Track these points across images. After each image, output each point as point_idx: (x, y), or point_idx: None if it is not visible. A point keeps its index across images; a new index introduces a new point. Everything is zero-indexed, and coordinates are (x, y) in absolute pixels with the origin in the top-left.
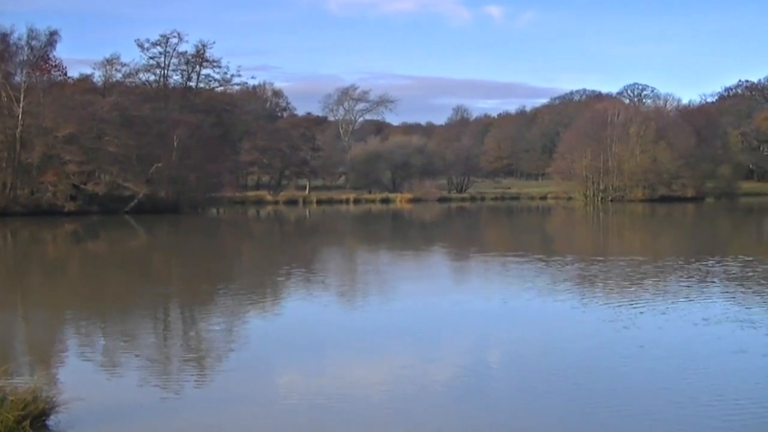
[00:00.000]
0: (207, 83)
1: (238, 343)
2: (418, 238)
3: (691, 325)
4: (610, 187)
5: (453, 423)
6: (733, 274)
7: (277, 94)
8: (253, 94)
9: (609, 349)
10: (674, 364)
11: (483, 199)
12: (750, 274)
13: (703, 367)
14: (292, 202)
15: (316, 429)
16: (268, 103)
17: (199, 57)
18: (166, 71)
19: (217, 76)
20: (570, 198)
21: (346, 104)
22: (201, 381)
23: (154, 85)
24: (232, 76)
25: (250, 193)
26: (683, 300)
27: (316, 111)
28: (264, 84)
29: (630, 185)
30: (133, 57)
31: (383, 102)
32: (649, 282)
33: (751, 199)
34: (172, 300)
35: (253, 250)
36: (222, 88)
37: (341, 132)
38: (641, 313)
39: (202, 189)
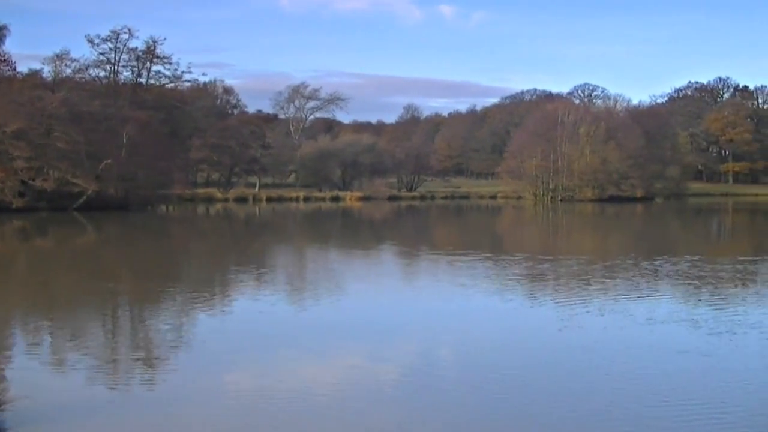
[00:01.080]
0: (157, 80)
1: (188, 342)
2: (368, 237)
3: (635, 325)
4: (560, 187)
5: (403, 422)
6: (681, 273)
7: (228, 91)
8: (204, 91)
9: (556, 349)
10: (618, 365)
11: (433, 198)
12: (697, 273)
13: (645, 367)
14: (242, 200)
15: (265, 428)
16: (219, 101)
17: (150, 53)
18: (116, 67)
19: (167, 73)
20: (519, 197)
21: (296, 102)
22: (150, 380)
23: (104, 81)
24: (183, 72)
25: (200, 191)
26: (630, 300)
27: (267, 109)
28: (215, 81)
29: (579, 185)
30: (83, 53)
31: (334, 100)
32: (597, 281)
33: (700, 199)
34: (121, 298)
35: (202, 247)
36: (172, 84)
37: (292, 130)
38: (588, 312)
39: (151, 186)
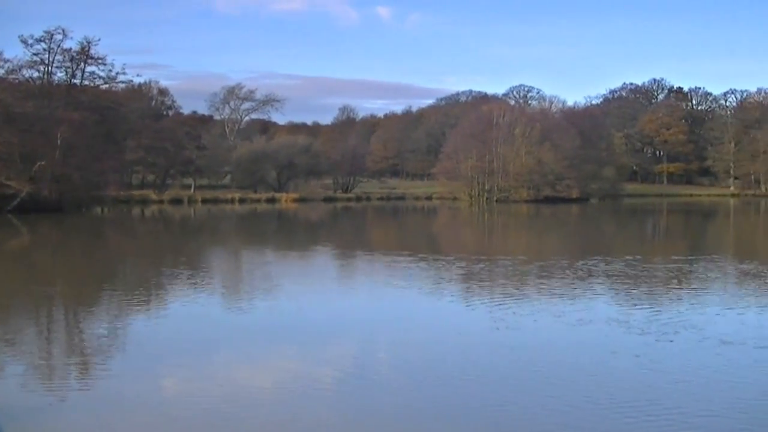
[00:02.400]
0: (92, 81)
1: (123, 346)
2: (304, 238)
3: (568, 325)
4: (495, 188)
5: (341, 424)
6: (615, 274)
7: (163, 92)
8: (139, 92)
9: (488, 349)
10: (549, 365)
11: (369, 199)
12: (632, 273)
13: (576, 367)
14: (177, 202)
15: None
16: (154, 102)
17: (84, 54)
18: (50, 68)
19: (102, 74)
20: (455, 198)
21: (232, 103)
22: (85, 384)
23: (37, 82)
24: (118, 74)
25: (135, 192)
26: (564, 300)
27: (202, 110)
28: (150, 82)
29: (515, 186)
30: (16, 53)
31: (269, 101)
32: (532, 282)
33: (635, 200)
34: (55, 301)
35: (137, 250)
36: (107, 86)
37: (227, 131)
38: (521, 313)
39: (86, 188)
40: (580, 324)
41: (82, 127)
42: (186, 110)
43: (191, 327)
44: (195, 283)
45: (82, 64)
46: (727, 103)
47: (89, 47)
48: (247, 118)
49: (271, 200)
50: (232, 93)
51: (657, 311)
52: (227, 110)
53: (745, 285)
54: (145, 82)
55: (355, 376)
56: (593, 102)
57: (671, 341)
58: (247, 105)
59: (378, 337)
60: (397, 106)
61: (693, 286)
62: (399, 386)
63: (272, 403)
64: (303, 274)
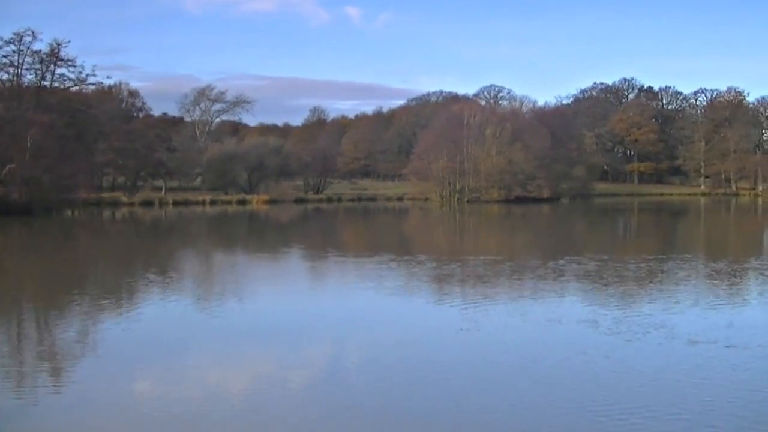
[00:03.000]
0: (62, 83)
1: (94, 349)
2: (275, 240)
3: (537, 325)
4: (467, 188)
5: (314, 426)
6: (586, 273)
7: (133, 94)
8: (109, 94)
9: (459, 350)
10: (517, 365)
11: (340, 200)
12: (602, 273)
13: (544, 367)
14: (147, 204)
15: None
16: (124, 104)
17: (54, 56)
18: (19, 70)
19: (71, 76)
20: (426, 199)
21: (202, 105)
22: (57, 388)
23: (7, 84)
24: (87, 75)
25: (106, 195)
26: (534, 300)
27: (173, 111)
28: (120, 84)
29: (486, 186)
30: None
31: (240, 102)
32: (503, 282)
33: (606, 199)
34: (26, 305)
35: (108, 252)
36: (77, 87)
37: (197, 133)
38: (492, 313)
39: (56, 190)
40: (550, 324)
41: (52, 129)
42: (156, 112)
43: (163, 330)
44: (166, 286)
45: (52, 66)
46: (698, 102)
47: (59, 49)
48: (217, 119)
49: (242, 202)
50: (202, 94)
51: (627, 311)
52: (198, 112)
53: (715, 284)
54: (115, 84)
55: (327, 378)
56: (564, 102)
57: (641, 341)
58: (217, 106)
59: (349, 338)
60: (368, 107)
61: (664, 286)
62: (371, 388)
63: (244, 407)
64: (274, 276)
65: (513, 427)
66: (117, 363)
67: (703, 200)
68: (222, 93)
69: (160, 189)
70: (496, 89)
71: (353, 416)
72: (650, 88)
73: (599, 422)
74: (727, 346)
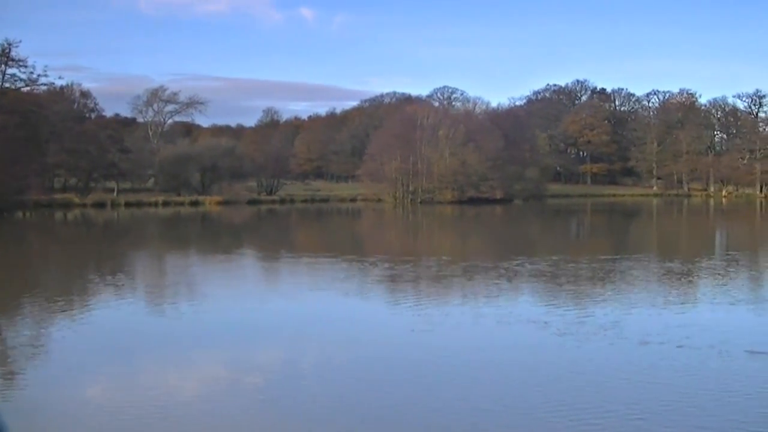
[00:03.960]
0: (13, 83)
1: (46, 353)
2: (228, 242)
3: (489, 326)
4: (420, 189)
5: (268, 428)
6: (538, 274)
7: (86, 95)
8: (61, 94)
9: (412, 351)
10: (470, 367)
11: (293, 201)
12: (555, 273)
13: (496, 369)
14: (100, 205)
15: None
16: (76, 104)
17: (5, 56)
18: None
19: (23, 76)
20: (380, 200)
21: (155, 105)
22: (5, 395)
23: None
24: (39, 76)
25: (57, 196)
26: (487, 300)
27: (125, 112)
28: (72, 84)
29: (439, 187)
30: None
31: (193, 103)
32: (455, 283)
33: (559, 200)
34: None
35: (60, 255)
36: (28, 88)
37: (150, 134)
38: (445, 314)
39: (7, 191)
40: (502, 325)
41: (3, 130)
42: (109, 113)
43: (115, 333)
44: (119, 289)
45: (3, 66)
46: (650, 104)
47: (10, 49)
48: (170, 120)
49: (195, 203)
50: (155, 95)
51: (580, 311)
52: (150, 113)
53: (667, 284)
54: (68, 85)
55: (281, 379)
56: (517, 103)
57: (593, 342)
58: (170, 107)
59: (303, 340)
60: (321, 108)
61: (616, 286)
62: (324, 389)
63: (199, 410)
64: (227, 278)
65: (463, 427)
66: (69, 367)
67: (655, 201)
68: (175, 94)
69: (113, 190)
70: (450, 90)
71: (307, 417)
72: (603, 89)
73: (550, 423)
74: (678, 347)
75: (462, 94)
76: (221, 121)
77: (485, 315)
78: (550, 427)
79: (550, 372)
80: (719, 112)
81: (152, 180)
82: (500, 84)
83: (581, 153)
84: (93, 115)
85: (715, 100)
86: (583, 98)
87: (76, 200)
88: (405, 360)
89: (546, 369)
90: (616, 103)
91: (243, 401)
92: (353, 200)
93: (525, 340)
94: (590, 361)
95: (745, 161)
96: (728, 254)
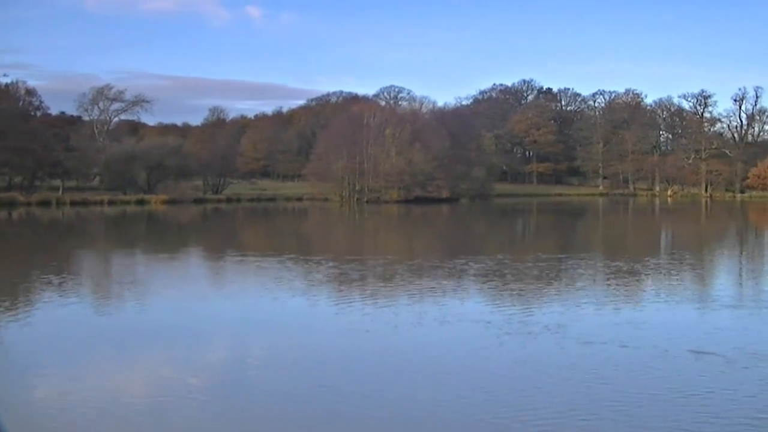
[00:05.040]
0: None
1: None
2: (174, 241)
3: (433, 325)
4: (366, 189)
5: (212, 428)
6: (484, 273)
7: (31, 93)
8: (5, 92)
9: (356, 350)
10: (413, 366)
11: (239, 200)
12: (500, 273)
13: (438, 368)
14: (45, 204)
15: None
16: (21, 102)
17: None
18: None
19: None
20: (326, 199)
21: (101, 104)
22: None
23: None
24: None
25: (2, 195)
26: (433, 299)
27: (71, 110)
28: (17, 82)
29: (385, 186)
30: None
31: (139, 102)
32: (401, 282)
33: (505, 200)
34: None
35: (4, 254)
36: None
37: (96, 132)
38: (390, 313)
39: None
40: (445, 324)
41: None
42: (54, 111)
43: (60, 334)
44: (64, 288)
45: None
46: (596, 104)
47: None
48: (116, 119)
49: (141, 202)
50: (101, 93)
51: (524, 311)
52: (96, 111)
53: (612, 283)
54: (12, 82)
55: (226, 380)
56: (463, 103)
57: (535, 341)
58: (116, 106)
59: (249, 340)
60: (268, 107)
61: (561, 285)
62: (271, 390)
63: (144, 411)
64: (173, 277)
65: (404, 424)
66: (11, 367)
67: (601, 201)
68: (121, 92)
69: (58, 189)
70: (396, 90)
71: (252, 418)
72: (549, 89)
73: (491, 423)
74: (622, 347)
75: (408, 94)
76: (167, 120)
77: (429, 315)
78: (491, 428)
79: (492, 373)
80: (665, 112)
81: (98, 178)
82: (447, 83)
83: (527, 152)
84: (38, 114)
85: (660, 100)
86: (530, 98)
87: (21, 199)
88: (351, 360)
89: (488, 369)
90: (562, 102)
91: (188, 401)
92: (299, 199)
93: (467, 341)
94: (532, 362)
95: (691, 161)
96: (673, 253)
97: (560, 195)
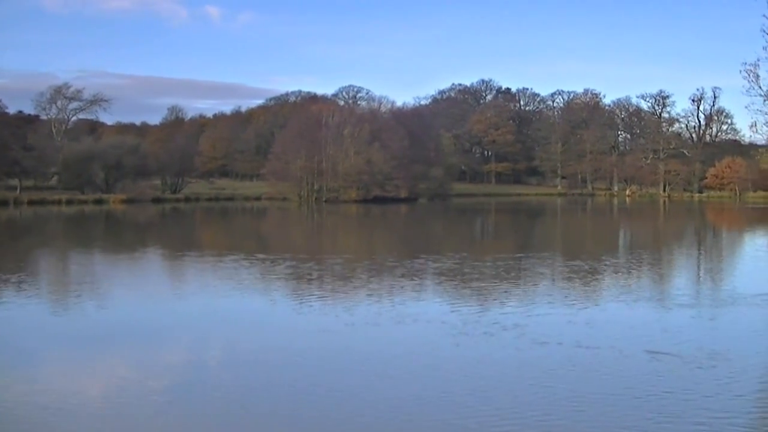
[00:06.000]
0: None
1: None
2: (133, 240)
3: (387, 325)
4: (325, 188)
5: (171, 430)
6: (442, 272)
7: None
8: None
9: (312, 350)
10: (364, 367)
11: (198, 199)
12: (458, 272)
13: (388, 368)
14: (2, 203)
15: None
16: None
17: None
18: None
19: None
20: (285, 199)
21: (59, 103)
22: None
23: None
24: None
25: None
26: (390, 299)
27: (29, 109)
28: None
29: (344, 186)
30: None
31: (97, 101)
32: (358, 281)
33: (464, 199)
34: None
35: None
36: None
37: (54, 131)
38: (346, 312)
39: None
40: (403, 323)
41: None
42: (12, 110)
43: (15, 334)
44: (22, 288)
45: None
46: (555, 104)
47: None
48: (74, 118)
49: (99, 201)
50: (59, 92)
51: (481, 310)
52: (54, 110)
53: (570, 283)
54: None
55: (185, 381)
56: (422, 102)
57: (490, 342)
58: (74, 105)
59: (208, 341)
60: (227, 107)
61: (519, 285)
62: (229, 391)
63: (101, 413)
64: (131, 277)
65: (362, 427)
66: None
67: (559, 200)
68: (79, 91)
69: (15, 188)
70: (355, 89)
71: (210, 418)
72: (508, 89)
73: (444, 425)
74: (578, 347)
75: (367, 93)
76: (126, 119)
77: (386, 314)
78: (448, 428)
79: (449, 373)
80: (623, 113)
81: (56, 178)
82: (405, 83)
83: (486, 152)
84: None
85: (619, 100)
86: (488, 98)
87: None
88: (305, 360)
89: (445, 369)
90: (521, 102)
91: (146, 403)
92: (258, 199)
93: (424, 340)
94: (489, 362)
95: (649, 161)
96: (631, 253)
97: (519, 195)
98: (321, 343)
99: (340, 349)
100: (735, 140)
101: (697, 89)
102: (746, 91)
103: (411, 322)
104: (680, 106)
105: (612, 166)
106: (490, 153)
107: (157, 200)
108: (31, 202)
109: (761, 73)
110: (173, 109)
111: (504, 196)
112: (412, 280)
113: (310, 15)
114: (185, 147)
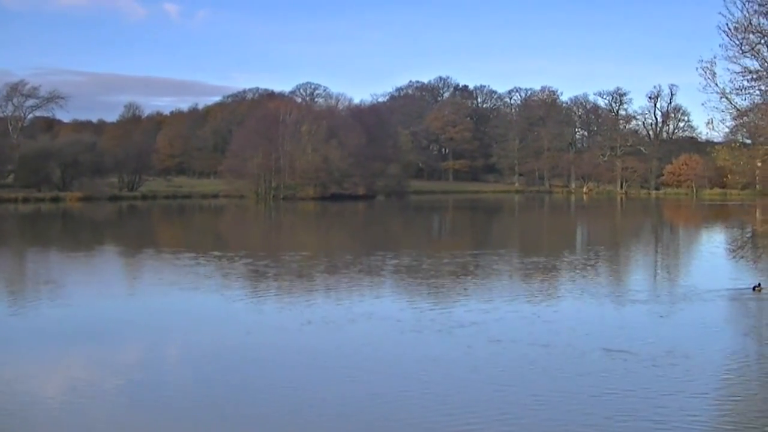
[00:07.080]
0: None
1: None
2: (90, 239)
3: (339, 323)
4: (282, 186)
5: (131, 428)
6: (399, 270)
7: None
8: None
9: (266, 347)
10: (318, 364)
11: (155, 197)
12: (415, 270)
13: (343, 366)
14: None
15: None
16: None
17: None
18: None
19: None
20: (242, 196)
21: (15, 100)
22: None
23: None
24: None
25: None
26: (348, 296)
27: None
28: None
29: (301, 183)
30: None
31: (54, 98)
32: (315, 278)
33: (421, 197)
34: None
35: None
36: None
37: (10, 129)
38: (301, 310)
39: None
40: (357, 321)
41: None
42: None
43: None
44: None
45: None
46: (512, 101)
47: None
48: (30, 115)
49: (56, 199)
50: (15, 90)
51: (436, 308)
52: (10, 107)
53: (527, 280)
54: None
55: (145, 378)
56: (380, 100)
57: (444, 339)
58: (30, 102)
59: (166, 339)
60: (184, 104)
61: (476, 282)
62: (188, 387)
63: (58, 412)
64: (88, 275)
65: (315, 425)
66: None
67: (517, 198)
68: (35, 88)
69: None
70: (312, 87)
71: (168, 418)
72: (465, 86)
73: (395, 422)
74: (535, 345)
75: (325, 90)
76: (83, 117)
77: (341, 312)
78: (402, 426)
79: (403, 371)
80: (580, 110)
81: (12, 176)
82: (363, 80)
83: (443, 150)
84: None
85: (576, 97)
86: (446, 95)
87: None
88: (259, 357)
89: (399, 367)
90: (479, 100)
91: (106, 401)
92: (215, 197)
93: (378, 338)
94: (444, 360)
95: (606, 158)
96: (589, 250)
97: (476, 192)
98: (277, 340)
99: (297, 347)
100: (692, 137)
101: (654, 86)
102: (703, 88)
103: (367, 320)
104: (637, 103)
105: (569, 163)
106: (447, 150)
107: (114, 198)
108: None
109: (718, 70)
110: (130, 107)
111: (461, 194)
112: (369, 277)
113: (268, 12)
114: (142, 145)
